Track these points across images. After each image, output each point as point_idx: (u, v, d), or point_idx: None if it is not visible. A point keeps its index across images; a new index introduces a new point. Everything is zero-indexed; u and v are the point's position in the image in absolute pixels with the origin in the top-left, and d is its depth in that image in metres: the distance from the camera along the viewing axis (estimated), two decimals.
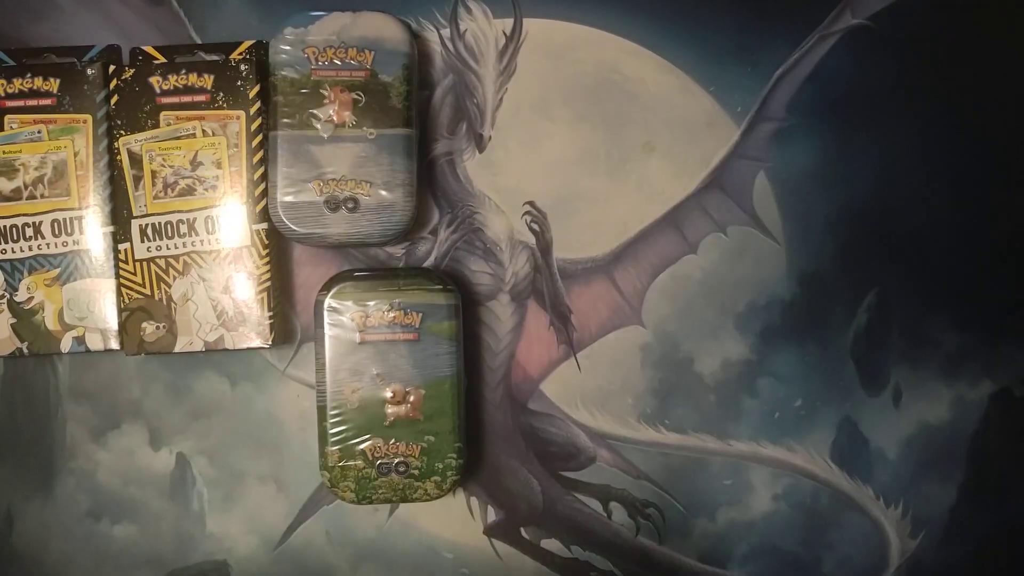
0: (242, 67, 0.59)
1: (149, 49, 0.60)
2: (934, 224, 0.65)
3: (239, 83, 0.58)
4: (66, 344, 0.59)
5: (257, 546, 0.64)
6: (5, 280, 0.59)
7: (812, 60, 0.64)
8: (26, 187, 0.59)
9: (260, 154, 0.59)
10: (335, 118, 0.57)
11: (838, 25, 0.64)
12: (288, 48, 0.57)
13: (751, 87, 0.64)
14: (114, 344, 0.60)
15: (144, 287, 0.59)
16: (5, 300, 0.59)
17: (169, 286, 0.59)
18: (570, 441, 0.65)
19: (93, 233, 0.59)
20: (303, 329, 0.63)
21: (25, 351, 0.59)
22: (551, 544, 0.65)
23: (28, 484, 0.63)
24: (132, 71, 0.58)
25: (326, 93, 0.57)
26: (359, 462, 0.58)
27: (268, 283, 0.59)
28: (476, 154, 0.64)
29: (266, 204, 0.58)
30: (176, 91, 0.58)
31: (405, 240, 0.63)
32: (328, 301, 0.57)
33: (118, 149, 0.58)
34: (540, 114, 0.64)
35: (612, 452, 0.65)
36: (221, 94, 0.58)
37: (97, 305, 0.60)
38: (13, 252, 0.59)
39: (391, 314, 0.57)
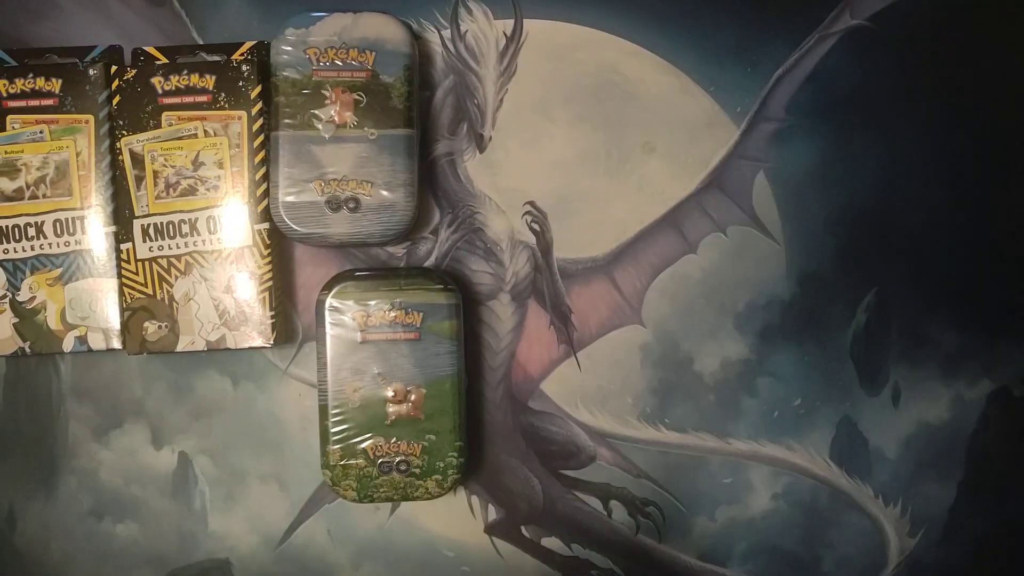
0: (244, 68, 0.59)
1: (151, 50, 0.60)
2: (933, 224, 0.65)
3: (241, 84, 0.59)
4: (68, 344, 0.60)
5: (259, 545, 0.64)
6: (7, 280, 0.59)
7: (812, 60, 0.64)
8: (28, 187, 0.59)
9: (262, 154, 0.59)
10: (336, 118, 0.57)
11: (838, 25, 0.64)
12: (289, 49, 0.58)
13: (751, 87, 0.64)
14: (116, 344, 0.60)
15: (146, 287, 0.59)
16: (7, 300, 0.59)
17: (171, 286, 0.59)
18: (570, 440, 0.65)
19: (95, 233, 0.59)
20: (304, 329, 0.63)
21: (27, 351, 0.59)
22: (551, 542, 0.65)
23: (30, 483, 0.63)
24: (134, 72, 0.59)
25: (327, 94, 0.58)
26: (360, 461, 0.58)
27: (270, 283, 0.59)
28: (477, 154, 0.64)
29: (268, 204, 0.58)
30: (178, 91, 0.58)
31: (406, 240, 0.63)
32: (329, 301, 0.57)
33: (120, 149, 0.59)
34: (540, 115, 0.64)
35: (612, 451, 0.65)
36: (223, 94, 0.59)
37: (99, 305, 0.60)
38: (15, 252, 0.59)
39: (392, 314, 0.57)
